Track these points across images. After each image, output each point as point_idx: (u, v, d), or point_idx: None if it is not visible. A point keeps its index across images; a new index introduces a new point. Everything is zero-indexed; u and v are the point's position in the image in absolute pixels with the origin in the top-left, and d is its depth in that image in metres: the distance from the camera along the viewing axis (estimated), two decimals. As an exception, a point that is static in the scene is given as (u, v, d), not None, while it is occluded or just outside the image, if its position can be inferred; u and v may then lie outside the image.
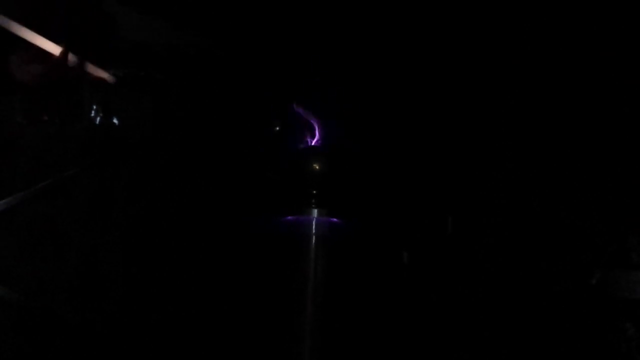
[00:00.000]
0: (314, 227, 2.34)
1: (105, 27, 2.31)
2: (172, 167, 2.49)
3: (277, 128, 2.60)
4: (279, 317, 2.39)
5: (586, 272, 2.86)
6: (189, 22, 2.50)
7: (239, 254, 2.50)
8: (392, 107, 2.74)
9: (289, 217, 2.33)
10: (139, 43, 2.39)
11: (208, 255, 2.51)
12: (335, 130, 2.60)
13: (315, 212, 2.36)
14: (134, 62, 2.36)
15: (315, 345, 2.36)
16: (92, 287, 2.33)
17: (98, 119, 2.37)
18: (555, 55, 2.62)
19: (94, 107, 2.34)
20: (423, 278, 2.81)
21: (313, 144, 2.44)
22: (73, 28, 2.18)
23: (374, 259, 2.56)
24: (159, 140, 2.47)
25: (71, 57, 2.08)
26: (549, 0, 2.53)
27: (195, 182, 2.51)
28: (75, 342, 2.23)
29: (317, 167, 2.30)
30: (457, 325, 2.76)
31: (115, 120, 2.40)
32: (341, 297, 2.44)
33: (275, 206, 2.45)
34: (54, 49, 2.17)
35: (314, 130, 2.52)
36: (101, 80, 2.30)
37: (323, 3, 2.50)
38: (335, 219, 2.32)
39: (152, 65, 2.40)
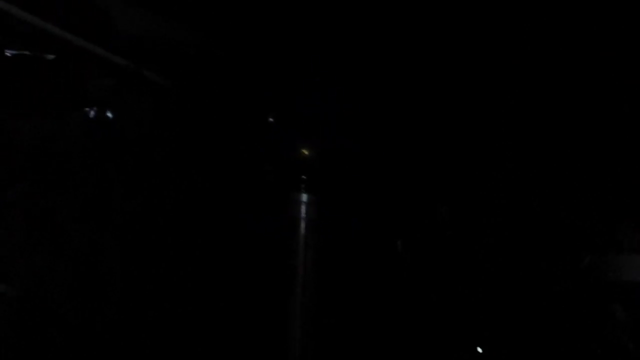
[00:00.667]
0: (303, 211, 2.34)
1: (100, 20, 2.35)
2: (170, 163, 2.50)
3: (271, 119, 2.62)
4: (270, 304, 2.41)
5: (576, 257, 2.88)
6: (188, 19, 2.51)
7: (234, 246, 2.53)
8: (393, 107, 2.74)
9: (278, 202, 2.35)
10: (134, 36, 2.41)
11: (204, 248, 2.53)
12: (335, 127, 2.60)
13: (304, 196, 2.36)
14: (130, 55, 2.39)
15: (306, 333, 2.38)
16: (90, 284, 2.32)
17: (92, 112, 2.37)
18: (555, 55, 2.62)
19: (89, 100, 2.38)
20: (417, 266, 2.83)
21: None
22: (70, 23, 2.23)
23: (366, 244, 2.58)
24: (157, 136, 2.48)
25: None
26: (549, 1, 2.54)
27: (191, 177, 2.52)
28: (74, 341, 2.25)
29: (307, 153, 2.32)
30: (451, 315, 2.78)
31: (109, 114, 2.39)
32: (332, 283, 2.46)
33: (269, 195, 2.47)
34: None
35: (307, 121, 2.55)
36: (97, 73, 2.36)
37: (322, 3, 2.51)
38: (325, 204, 2.34)
39: (147, 58, 2.42)
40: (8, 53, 2.23)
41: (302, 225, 2.44)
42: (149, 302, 2.44)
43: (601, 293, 2.77)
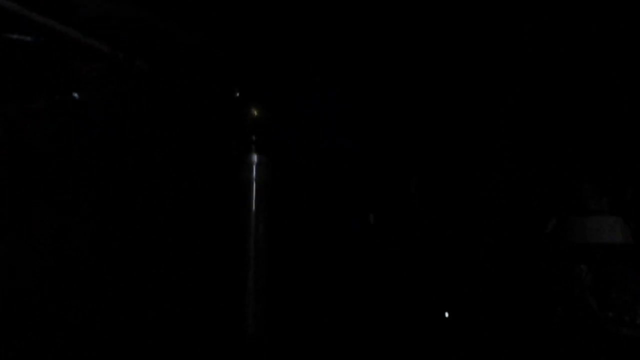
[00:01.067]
0: (254, 172, 2.22)
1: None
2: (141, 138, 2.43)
3: (237, 94, 2.55)
4: (223, 268, 2.32)
5: (542, 220, 2.81)
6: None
7: (184, 209, 2.44)
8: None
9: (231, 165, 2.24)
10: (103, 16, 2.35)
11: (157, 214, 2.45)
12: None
13: (255, 157, 2.23)
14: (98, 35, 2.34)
15: (260, 301, 2.32)
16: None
17: (60, 94, 2.28)
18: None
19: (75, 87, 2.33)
20: (385, 235, 2.79)
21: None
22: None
23: (320, 210, 2.50)
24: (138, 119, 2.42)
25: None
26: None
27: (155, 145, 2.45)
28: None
29: (257, 113, 2.20)
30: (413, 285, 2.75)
31: (75, 95, 2.29)
32: (285, 251, 2.37)
33: (219, 157, 2.38)
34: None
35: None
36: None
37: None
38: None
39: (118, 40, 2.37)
40: None
41: (254, 188, 2.33)
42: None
43: (567, 255, 2.76)
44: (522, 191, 2.73)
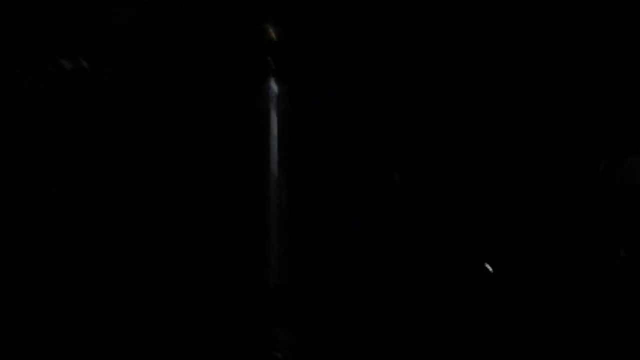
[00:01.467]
0: (274, 101, 1.98)
1: None
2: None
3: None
4: (243, 209, 2.15)
5: (593, 163, 2.67)
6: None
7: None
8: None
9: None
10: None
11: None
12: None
13: (274, 83, 2.00)
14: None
15: (282, 239, 2.15)
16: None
17: (69, 63, 2.24)
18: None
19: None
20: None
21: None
22: None
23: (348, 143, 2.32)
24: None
25: None
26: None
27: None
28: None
29: (272, 32, 1.97)
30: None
31: (84, 64, 2.22)
32: (310, 189, 2.18)
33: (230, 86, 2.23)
34: None
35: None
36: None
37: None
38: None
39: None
40: None
41: (274, 119, 2.09)
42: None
43: (623, 196, 2.62)
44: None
